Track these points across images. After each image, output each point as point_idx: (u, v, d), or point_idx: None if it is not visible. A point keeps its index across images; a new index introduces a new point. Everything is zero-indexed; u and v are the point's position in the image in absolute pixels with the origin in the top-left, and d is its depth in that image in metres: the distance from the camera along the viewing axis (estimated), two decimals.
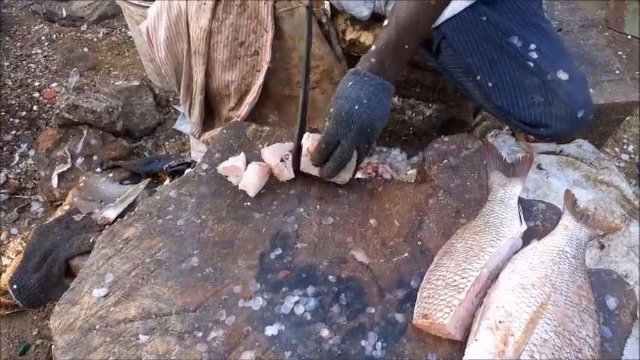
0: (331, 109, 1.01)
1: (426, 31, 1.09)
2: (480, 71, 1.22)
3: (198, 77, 1.46)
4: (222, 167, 1.10)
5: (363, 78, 1.02)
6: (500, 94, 1.20)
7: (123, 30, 2.66)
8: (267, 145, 1.16)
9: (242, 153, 1.13)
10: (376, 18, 1.46)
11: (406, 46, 1.03)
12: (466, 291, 0.85)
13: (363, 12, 1.41)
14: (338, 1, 1.43)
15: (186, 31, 1.41)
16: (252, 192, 1.08)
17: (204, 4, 1.34)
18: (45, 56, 2.50)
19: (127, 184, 1.55)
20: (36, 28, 2.64)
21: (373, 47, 1.04)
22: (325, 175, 1.06)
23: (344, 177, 1.07)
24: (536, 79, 1.17)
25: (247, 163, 1.11)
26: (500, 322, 0.80)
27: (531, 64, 1.17)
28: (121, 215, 1.39)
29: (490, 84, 1.21)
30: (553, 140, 1.27)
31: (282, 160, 1.10)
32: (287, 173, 1.10)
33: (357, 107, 0.99)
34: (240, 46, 1.40)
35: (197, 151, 1.73)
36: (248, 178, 1.08)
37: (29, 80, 2.36)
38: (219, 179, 1.12)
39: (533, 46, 1.18)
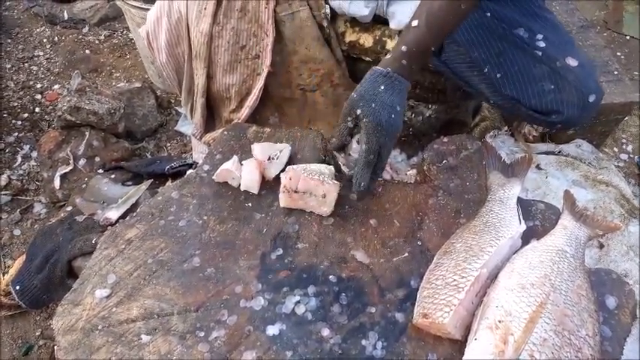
0: (358, 111, 0.98)
1: (452, 33, 1.09)
2: (487, 63, 1.22)
3: (200, 81, 1.47)
4: (217, 174, 1.11)
5: (394, 82, 0.99)
6: (509, 84, 1.21)
7: (124, 32, 2.66)
8: None
9: (234, 156, 1.13)
10: (376, 20, 1.47)
11: (432, 48, 1.03)
12: (466, 290, 0.86)
13: (364, 13, 1.42)
14: (339, 3, 1.43)
15: (186, 34, 1.42)
16: (255, 189, 1.09)
17: (205, 8, 1.35)
18: (47, 59, 2.51)
19: (129, 186, 1.56)
20: (38, 30, 2.65)
21: (403, 48, 1.00)
22: (369, 188, 1.02)
23: (325, 209, 1.05)
24: (546, 67, 1.17)
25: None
26: (499, 321, 0.80)
27: (539, 53, 1.17)
28: (123, 216, 1.39)
29: (499, 75, 1.21)
30: (564, 128, 1.27)
31: (269, 159, 1.11)
32: (272, 171, 1.11)
33: (393, 116, 0.98)
34: (241, 50, 1.41)
35: (199, 152, 1.74)
36: (247, 176, 1.09)
37: (31, 82, 2.37)
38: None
39: (539, 36, 1.18)
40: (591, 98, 1.16)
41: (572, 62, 1.16)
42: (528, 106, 1.21)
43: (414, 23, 1.01)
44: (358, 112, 0.98)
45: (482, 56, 1.22)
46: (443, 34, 1.04)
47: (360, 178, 0.99)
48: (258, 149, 1.12)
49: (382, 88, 0.99)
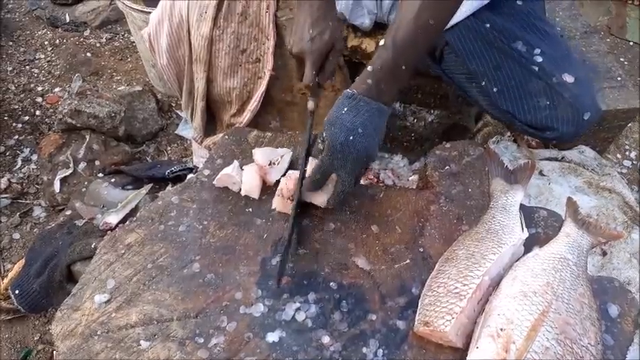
0: (324, 134, 0.97)
1: (424, 51, 1.04)
2: (484, 77, 1.22)
3: (200, 84, 1.47)
4: (217, 179, 1.10)
5: (359, 103, 0.96)
6: (505, 99, 1.20)
7: (125, 35, 2.67)
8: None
9: (235, 161, 1.13)
10: (379, 26, 1.46)
11: (404, 67, 0.97)
12: (467, 298, 0.85)
13: (365, 22, 1.42)
14: (340, 8, 1.43)
15: (187, 37, 1.42)
16: (256, 194, 1.09)
17: (205, 12, 1.35)
18: (48, 61, 2.51)
19: (129, 190, 1.55)
20: (39, 33, 2.65)
21: (369, 68, 0.97)
22: (332, 203, 1.02)
23: (323, 199, 1.03)
24: (542, 83, 1.17)
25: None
26: (501, 329, 0.80)
27: (536, 68, 1.17)
28: (122, 221, 1.39)
29: (495, 89, 1.21)
30: (559, 143, 1.26)
31: (270, 164, 1.10)
32: (273, 176, 1.10)
33: (351, 138, 0.94)
34: (242, 54, 1.41)
35: (199, 156, 1.73)
36: (248, 181, 1.08)
37: (32, 85, 2.37)
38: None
39: (537, 50, 1.18)
40: (586, 116, 1.15)
41: (568, 79, 1.16)
42: (523, 121, 1.21)
43: (381, 42, 0.98)
44: (324, 134, 0.97)
45: (480, 69, 1.22)
46: (413, 52, 0.98)
47: (307, 189, 1.01)
48: (259, 154, 1.12)
49: (345, 110, 0.96)
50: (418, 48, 0.99)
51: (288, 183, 1.04)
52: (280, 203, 1.06)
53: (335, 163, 0.97)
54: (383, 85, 0.97)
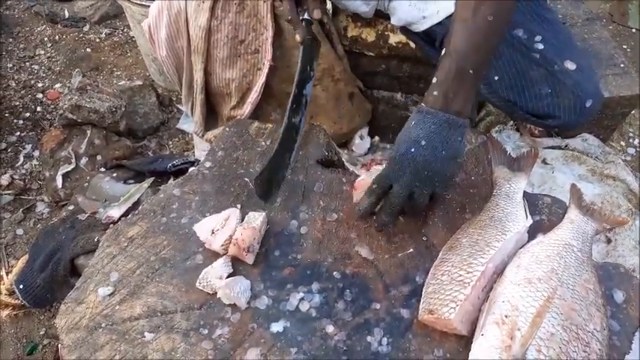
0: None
1: (490, 51, 0.97)
2: None
3: (198, 76, 1.46)
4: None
5: (426, 116, 0.91)
6: (505, 87, 1.19)
7: (125, 30, 2.66)
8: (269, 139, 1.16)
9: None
10: (378, 14, 1.45)
11: (471, 72, 0.91)
12: (472, 286, 0.85)
13: (364, 8, 1.40)
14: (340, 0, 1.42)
15: (185, 29, 1.41)
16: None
17: (203, 2, 1.34)
18: (48, 57, 2.50)
19: (130, 184, 1.55)
20: (39, 29, 2.65)
21: (434, 79, 0.93)
22: (379, 224, 0.98)
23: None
24: (543, 70, 1.15)
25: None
26: (506, 316, 0.79)
27: (537, 56, 1.16)
28: (125, 214, 1.39)
29: (496, 77, 1.20)
30: (561, 131, 1.25)
31: (213, 233, 0.98)
32: (218, 242, 0.97)
33: (412, 150, 0.90)
34: (240, 45, 1.39)
35: (201, 150, 1.73)
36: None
37: (33, 81, 2.37)
38: (222, 177, 1.12)
39: (538, 38, 1.17)
40: (588, 103, 1.14)
41: (570, 66, 1.14)
42: (525, 110, 1.20)
43: (442, 52, 0.94)
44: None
45: None
46: (475, 55, 0.92)
47: (362, 203, 1.01)
48: (199, 229, 0.98)
49: (412, 123, 0.94)
50: (481, 49, 0.93)
51: (244, 233, 0.94)
52: (237, 252, 0.95)
53: (391, 175, 0.93)
54: (451, 94, 0.91)
